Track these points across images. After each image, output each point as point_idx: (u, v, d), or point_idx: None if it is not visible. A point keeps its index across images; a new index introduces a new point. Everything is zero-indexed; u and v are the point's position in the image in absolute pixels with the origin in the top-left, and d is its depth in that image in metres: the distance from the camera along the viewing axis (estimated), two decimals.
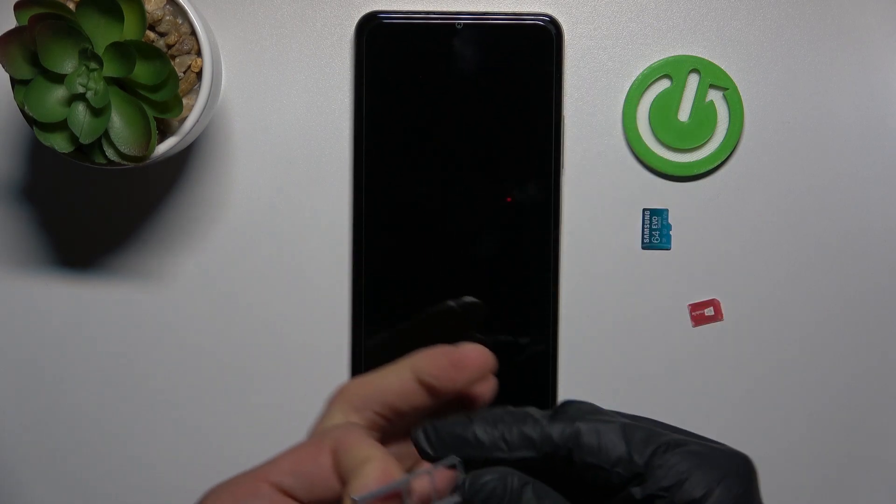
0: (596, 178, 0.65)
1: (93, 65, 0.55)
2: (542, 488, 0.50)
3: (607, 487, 0.50)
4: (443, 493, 0.49)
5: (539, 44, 0.63)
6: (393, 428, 0.52)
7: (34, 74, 0.56)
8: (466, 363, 0.51)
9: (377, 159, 0.63)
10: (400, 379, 0.51)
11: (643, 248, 0.65)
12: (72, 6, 0.57)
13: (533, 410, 0.50)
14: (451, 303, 0.61)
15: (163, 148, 0.58)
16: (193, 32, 0.58)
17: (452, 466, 0.49)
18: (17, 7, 0.56)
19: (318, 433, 0.51)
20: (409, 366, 0.51)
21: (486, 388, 0.51)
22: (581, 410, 0.50)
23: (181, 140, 0.58)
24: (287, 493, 0.50)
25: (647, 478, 0.49)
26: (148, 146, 0.56)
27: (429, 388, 0.51)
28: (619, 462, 0.49)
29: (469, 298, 0.64)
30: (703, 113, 0.64)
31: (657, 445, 0.49)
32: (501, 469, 0.50)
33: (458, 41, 0.63)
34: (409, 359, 0.52)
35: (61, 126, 0.56)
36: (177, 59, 0.58)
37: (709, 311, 0.65)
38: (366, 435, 0.49)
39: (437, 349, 0.52)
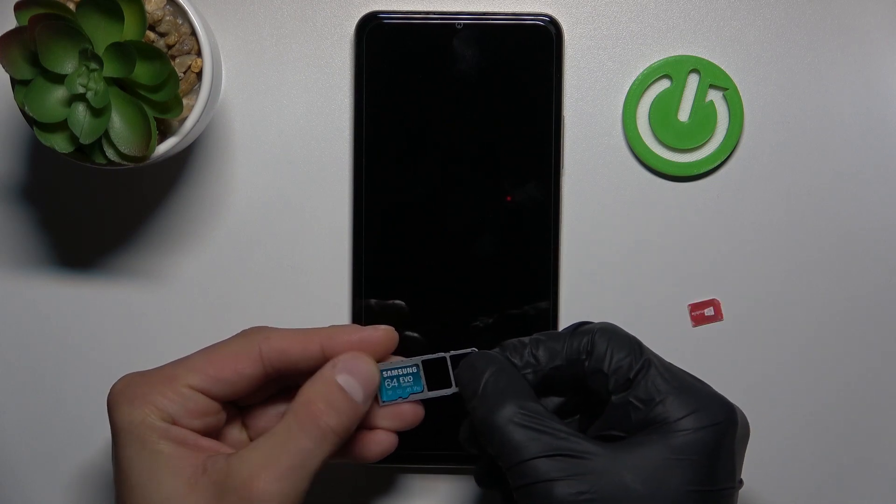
0: (596, 178, 0.65)
1: (93, 65, 0.55)
2: (510, 375, 0.55)
3: (606, 394, 0.54)
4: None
5: (539, 44, 0.63)
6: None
7: (34, 75, 0.56)
8: (374, 343, 0.56)
9: (377, 159, 0.63)
10: (308, 345, 0.56)
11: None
12: (72, 6, 0.57)
13: (552, 333, 0.56)
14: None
15: (163, 148, 0.58)
16: (193, 33, 0.58)
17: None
18: (17, 7, 0.56)
19: (235, 340, 0.56)
20: (319, 337, 0.56)
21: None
22: (596, 325, 0.56)
23: (181, 140, 0.58)
24: (201, 391, 0.55)
25: (629, 388, 0.53)
26: (148, 146, 0.56)
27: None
28: (617, 370, 0.54)
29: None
30: (703, 113, 0.64)
31: (650, 365, 0.54)
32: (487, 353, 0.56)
33: (458, 41, 0.63)
34: (321, 331, 0.56)
35: (61, 126, 0.56)
36: (177, 60, 0.58)
37: (709, 311, 0.65)
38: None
39: (347, 328, 0.57)
